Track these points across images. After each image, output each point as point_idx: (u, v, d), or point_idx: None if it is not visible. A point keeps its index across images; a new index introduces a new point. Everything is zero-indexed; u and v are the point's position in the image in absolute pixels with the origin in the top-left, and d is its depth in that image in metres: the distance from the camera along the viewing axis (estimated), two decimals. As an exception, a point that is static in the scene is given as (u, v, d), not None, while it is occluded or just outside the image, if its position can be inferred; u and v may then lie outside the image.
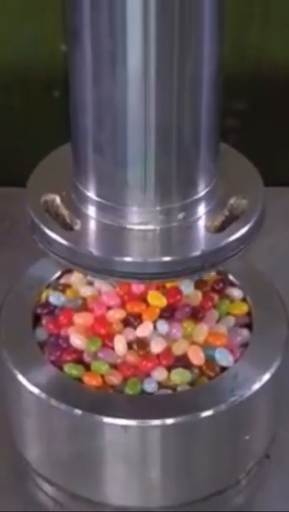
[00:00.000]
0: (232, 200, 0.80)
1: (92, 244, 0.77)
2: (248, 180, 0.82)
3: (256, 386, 0.82)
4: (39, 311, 0.88)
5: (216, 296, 0.89)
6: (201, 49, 0.72)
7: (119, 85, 0.71)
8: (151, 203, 0.77)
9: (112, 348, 0.84)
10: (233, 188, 0.81)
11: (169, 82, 0.71)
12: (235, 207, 0.80)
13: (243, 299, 0.90)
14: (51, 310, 0.88)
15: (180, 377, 0.82)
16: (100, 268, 0.77)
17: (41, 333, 0.87)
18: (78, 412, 0.80)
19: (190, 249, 0.77)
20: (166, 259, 0.76)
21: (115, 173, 0.76)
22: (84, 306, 0.87)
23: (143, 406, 0.81)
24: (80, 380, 0.83)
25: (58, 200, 0.80)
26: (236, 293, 0.90)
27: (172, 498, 0.85)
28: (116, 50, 0.70)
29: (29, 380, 0.83)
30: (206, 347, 0.84)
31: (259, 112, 1.26)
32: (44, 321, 0.87)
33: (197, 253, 0.76)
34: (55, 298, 0.89)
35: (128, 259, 0.76)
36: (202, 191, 0.78)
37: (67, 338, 0.85)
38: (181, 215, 0.78)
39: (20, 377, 0.83)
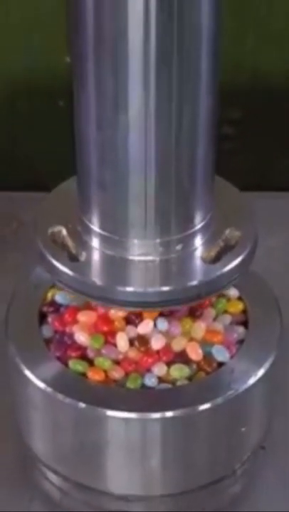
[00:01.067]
0: (226, 232, 0.82)
1: (96, 275, 0.79)
2: (241, 212, 0.84)
3: (251, 381, 0.82)
4: (45, 309, 0.88)
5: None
6: (198, 99, 0.74)
7: (121, 129, 0.73)
8: (151, 236, 0.78)
9: (115, 345, 0.84)
10: (227, 220, 0.82)
11: (168, 127, 0.73)
12: (230, 238, 0.82)
13: (239, 298, 0.90)
14: (57, 308, 0.88)
15: (179, 372, 0.83)
16: (103, 297, 0.78)
17: (47, 331, 0.87)
18: (82, 405, 0.80)
19: (188, 280, 0.78)
20: (166, 288, 0.78)
21: (118, 208, 0.78)
22: (87, 305, 0.87)
23: (144, 400, 0.81)
24: (84, 375, 0.83)
25: (64, 231, 0.82)
26: (232, 292, 0.90)
27: (171, 486, 0.85)
28: (118, 97, 0.72)
29: (36, 375, 0.83)
30: (204, 343, 0.84)
31: (254, 120, 1.26)
32: (50, 319, 0.87)
33: (194, 283, 0.78)
34: (60, 297, 0.89)
35: (130, 288, 0.77)
36: (198, 224, 0.80)
37: (71, 335, 0.85)
38: (179, 247, 0.80)
39: (28, 373, 0.83)
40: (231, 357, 0.84)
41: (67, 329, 0.86)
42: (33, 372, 0.83)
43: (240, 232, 0.82)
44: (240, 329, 0.87)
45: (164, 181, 0.76)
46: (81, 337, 0.84)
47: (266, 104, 1.25)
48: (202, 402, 0.81)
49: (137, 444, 0.82)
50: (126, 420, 0.80)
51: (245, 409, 0.84)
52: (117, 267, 0.79)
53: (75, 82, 0.75)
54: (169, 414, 0.80)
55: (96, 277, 0.79)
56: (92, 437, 0.82)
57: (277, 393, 0.89)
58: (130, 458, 0.83)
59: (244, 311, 0.88)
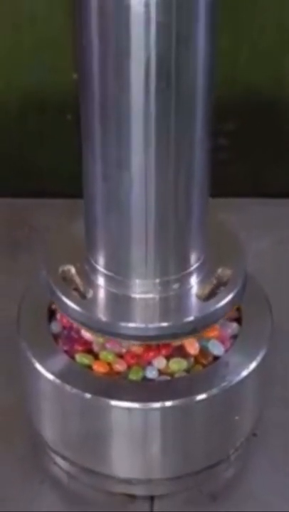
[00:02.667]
0: (219, 271, 0.83)
1: (101, 311, 0.81)
2: (232, 252, 0.86)
3: (244, 373, 0.83)
4: (54, 306, 0.88)
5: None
6: (193, 156, 0.76)
7: (124, 183, 0.76)
8: (151, 277, 0.80)
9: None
10: (219, 260, 0.84)
11: (166, 181, 0.76)
12: (222, 276, 0.83)
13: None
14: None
15: (177, 365, 0.83)
16: (108, 331, 0.80)
17: (56, 326, 0.87)
18: (88, 395, 0.81)
19: (184, 316, 0.80)
20: (165, 324, 0.79)
21: (121, 251, 0.80)
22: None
23: (145, 390, 0.82)
24: (89, 367, 0.83)
25: (73, 270, 0.84)
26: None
27: (171, 470, 0.85)
28: (121, 156, 0.74)
29: (45, 368, 0.83)
30: (201, 339, 0.84)
31: (247, 131, 1.26)
32: (58, 316, 0.87)
33: (190, 318, 0.80)
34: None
35: (132, 324, 0.79)
36: (194, 265, 0.82)
37: (78, 331, 0.85)
38: (176, 286, 0.82)
39: (38, 366, 0.83)
40: (226, 351, 0.84)
41: (75, 325, 0.85)
42: (42, 365, 0.83)
43: (231, 271, 0.84)
44: (234, 325, 0.87)
45: (163, 228, 0.78)
46: (87, 333, 0.84)
47: (258, 116, 1.25)
48: (199, 393, 0.81)
49: (139, 431, 0.82)
50: (128, 409, 0.80)
51: (238, 399, 0.84)
52: (120, 304, 0.81)
53: (84, 141, 0.77)
54: (168, 403, 0.80)
55: (101, 313, 0.81)
56: (98, 425, 0.82)
57: (268, 384, 0.89)
58: (133, 444, 0.83)
59: (238, 309, 0.88)
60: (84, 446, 0.85)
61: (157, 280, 0.81)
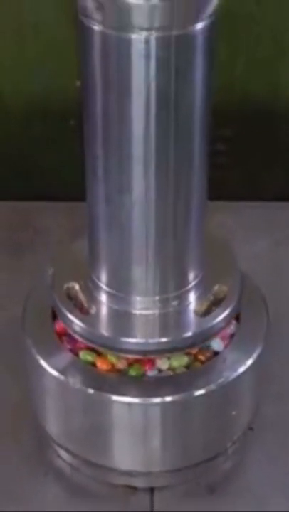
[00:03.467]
0: (216, 288, 0.84)
1: (104, 327, 0.82)
2: (228, 269, 0.87)
3: (241, 369, 0.83)
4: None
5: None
6: (191, 181, 0.78)
7: (126, 206, 0.77)
8: (152, 294, 0.82)
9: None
10: (216, 277, 0.85)
11: (165, 205, 0.77)
12: (218, 293, 0.84)
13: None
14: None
15: (178, 361, 0.83)
16: (110, 346, 0.81)
17: (60, 325, 0.86)
18: (91, 391, 0.81)
19: (183, 331, 0.81)
20: (164, 339, 0.81)
21: (122, 270, 0.81)
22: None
23: (145, 386, 0.82)
24: (92, 364, 0.83)
25: (77, 287, 0.85)
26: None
27: (170, 463, 0.86)
28: (123, 182, 0.75)
29: (50, 365, 0.83)
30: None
31: (244, 137, 1.26)
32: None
33: (189, 334, 0.81)
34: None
35: (133, 340, 0.80)
36: (192, 282, 0.84)
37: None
38: (175, 302, 0.83)
39: (42, 362, 0.84)
40: (224, 348, 0.85)
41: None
42: (47, 362, 0.84)
43: (227, 287, 0.85)
44: (234, 324, 0.87)
45: (162, 249, 0.80)
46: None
47: (255, 123, 1.25)
48: (197, 388, 0.81)
49: (140, 425, 0.82)
50: (129, 404, 0.81)
51: (235, 394, 0.85)
52: (121, 319, 0.82)
53: (87, 165, 0.79)
54: (168, 399, 0.81)
55: (103, 329, 0.82)
56: (100, 420, 0.83)
57: (264, 380, 0.90)
58: (133, 438, 0.83)
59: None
60: (87, 439, 0.85)
61: (157, 297, 0.82)
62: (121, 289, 0.82)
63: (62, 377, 0.82)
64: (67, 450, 0.88)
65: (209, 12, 0.71)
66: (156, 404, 0.81)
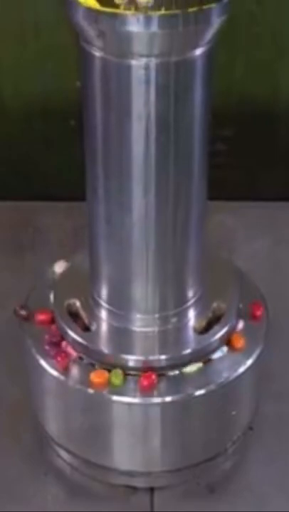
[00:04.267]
0: (214, 305, 0.85)
1: (104, 343, 0.82)
2: (226, 286, 0.87)
3: (241, 369, 0.83)
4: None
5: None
6: (190, 202, 0.78)
7: (126, 226, 0.77)
8: (151, 312, 0.82)
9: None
10: (214, 294, 0.86)
11: (164, 226, 0.78)
12: (217, 309, 0.85)
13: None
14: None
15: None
16: (110, 362, 0.81)
17: None
18: (91, 391, 0.81)
19: (182, 348, 0.82)
20: (163, 356, 0.80)
21: (122, 289, 0.82)
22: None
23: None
24: (92, 365, 0.82)
25: (78, 303, 0.85)
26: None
27: (170, 463, 0.85)
28: (124, 203, 0.76)
29: (49, 365, 0.83)
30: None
31: (244, 137, 1.26)
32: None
33: (188, 351, 0.81)
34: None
35: (132, 357, 0.80)
36: (191, 300, 0.84)
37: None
38: (174, 320, 0.83)
39: (42, 362, 0.83)
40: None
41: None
42: (47, 362, 0.83)
43: (226, 305, 0.85)
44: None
45: (162, 267, 0.80)
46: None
47: (255, 123, 1.25)
48: (197, 389, 0.81)
49: (140, 425, 0.82)
50: (129, 404, 0.80)
51: (235, 394, 0.84)
52: (122, 336, 0.83)
53: (88, 186, 0.79)
54: (167, 399, 0.80)
55: (104, 346, 0.82)
56: (100, 420, 0.82)
57: (263, 380, 0.89)
58: (133, 438, 0.83)
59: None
60: (87, 439, 0.85)
61: (156, 315, 0.82)
62: (121, 306, 0.83)
63: (62, 377, 0.82)
64: (67, 450, 0.88)
65: (208, 38, 0.71)
66: (156, 404, 0.80)
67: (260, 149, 1.27)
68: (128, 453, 0.84)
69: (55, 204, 1.23)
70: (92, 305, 0.85)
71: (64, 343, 0.83)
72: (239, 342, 0.84)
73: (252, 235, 1.17)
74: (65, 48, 1.18)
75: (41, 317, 0.86)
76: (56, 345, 0.84)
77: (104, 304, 0.84)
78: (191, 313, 0.84)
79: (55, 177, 1.27)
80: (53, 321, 0.86)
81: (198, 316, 0.84)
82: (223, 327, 0.83)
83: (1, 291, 1.08)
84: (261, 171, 1.28)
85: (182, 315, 0.84)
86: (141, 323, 0.82)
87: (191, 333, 0.83)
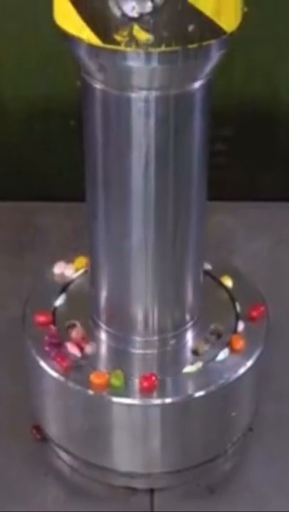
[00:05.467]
0: (212, 327, 0.85)
1: (103, 365, 0.83)
2: (223, 308, 0.88)
3: (241, 371, 0.82)
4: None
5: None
6: (188, 233, 0.79)
7: (125, 252, 0.78)
8: (150, 335, 0.83)
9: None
10: (212, 316, 0.86)
11: (164, 252, 0.79)
12: (214, 332, 0.85)
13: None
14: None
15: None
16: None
17: None
18: (91, 392, 0.80)
19: (180, 369, 0.82)
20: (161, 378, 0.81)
21: (122, 312, 0.82)
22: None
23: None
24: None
25: (78, 324, 0.85)
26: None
27: (170, 464, 0.85)
28: (123, 228, 0.77)
29: (49, 366, 0.82)
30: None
31: (244, 137, 1.26)
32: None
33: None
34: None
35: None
36: (189, 322, 0.85)
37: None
38: (173, 342, 0.84)
39: (42, 363, 0.83)
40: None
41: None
42: (47, 363, 0.83)
43: (223, 326, 0.85)
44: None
45: (161, 292, 0.81)
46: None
47: (254, 124, 1.24)
48: (197, 390, 0.81)
49: (140, 427, 0.82)
50: (129, 406, 0.80)
51: (235, 395, 0.84)
52: (121, 358, 0.83)
53: (88, 212, 0.80)
54: (168, 400, 0.80)
55: (103, 367, 0.82)
56: (100, 421, 0.82)
57: (264, 381, 0.89)
58: (133, 439, 0.82)
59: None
60: (86, 440, 0.84)
61: (155, 337, 0.83)
62: (120, 329, 0.84)
63: (62, 379, 0.81)
64: (66, 451, 0.88)
65: (207, 72, 0.72)
66: (156, 405, 0.80)
67: (260, 149, 1.27)
68: (128, 454, 0.84)
69: (55, 204, 1.23)
70: (91, 326, 0.85)
71: (64, 344, 0.83)
72: (239, 343, 0.84)
73: (252, 235, 1.17)
74: (65, 49, 1.17)
75: (41, 318, 0.86)
76: (56, 346, 0.83)
77: (103, 326, 0.85)
78: (189, 335, 0.85)
79: (55, 177, 1.27)
80: (53, 322, 0.85)
81: (195, 338, 0.85)
82: (221, 349, 0.83)
83: (1, 291, 1.08)
84: (261, 171, 1.27)
85: (180, 337, 0.84)
86: (140, 345, 0.83)
87: (189, 355, 0.84)
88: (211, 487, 0.88)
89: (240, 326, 0.86)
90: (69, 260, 0.92)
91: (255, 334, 0.86)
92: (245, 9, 0.73)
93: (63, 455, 0.89)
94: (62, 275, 0.91)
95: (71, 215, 1.18)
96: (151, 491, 0.87)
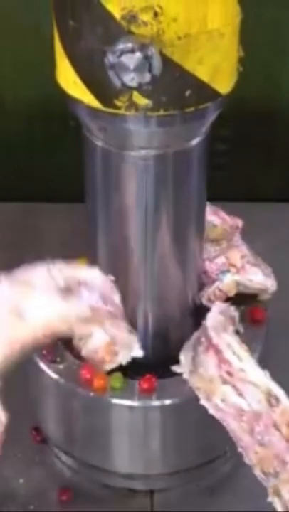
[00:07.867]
0: None
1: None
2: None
3: (241, 372, 0.82)
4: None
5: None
6: (187, 275, 0.82)
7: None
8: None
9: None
10: None
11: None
12: None
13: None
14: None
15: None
16: None
17: None
18: (91, 393, 0.80)
19: None
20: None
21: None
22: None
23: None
24: (94, 368, 0.83)
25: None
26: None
27: (170, 466, 0.85)
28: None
29: (49, 367, 0.83)
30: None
31: (244, 137, 1.26)
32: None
33: None
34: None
35: None
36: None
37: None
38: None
39: (43, 366, 0.83)
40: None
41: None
42: (46, 364, 0.83)
43: None
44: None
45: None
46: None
47: (254, 124, 1.24)
48: (197, 392, 0.80)
49: (140, 428, 0.82)
50: (130, 407, 0.80)
51: (235, 397, 0.84)
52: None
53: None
54: (167, 402, 0.80)
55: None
56: (100, 422, 0.82)
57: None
58: (133, 441, 0.82)
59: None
60: (86, 442, 0.85)
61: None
62: None
63: (61, 380, 0.82)
64: (66, 452, 0.88)
65: (204, 130, 0.74)
66: (156, 407, 0.80)
67: (259, 149, 1.27)
68: (128, 455, 0.84)
69: (55, 205, 1.23)
70: None
71: (63, 346, 0.83)
72: (239, 345, 0.83)
73: (252, 235, 1.16)
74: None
75: (41, 320, 0.86)
76: (55, 347, 0.83)
77: None
78: None
79: (55, 177, 1.27)
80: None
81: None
82: None
83: (1, 292, 1.07)
84: (261, 171, 1.28)
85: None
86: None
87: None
88: (211, 488, 0.88)
89: (240, 327, 0.85)
90: (69, 261, 0.92)
91: (255, 336, 0.86)
92: (241, 63, 0.77)
93: (63, 457, 0.89)
94: (62, 276, 0.91)
95: (71, 216, 1.17)
96: (151, 492, 0.87)
